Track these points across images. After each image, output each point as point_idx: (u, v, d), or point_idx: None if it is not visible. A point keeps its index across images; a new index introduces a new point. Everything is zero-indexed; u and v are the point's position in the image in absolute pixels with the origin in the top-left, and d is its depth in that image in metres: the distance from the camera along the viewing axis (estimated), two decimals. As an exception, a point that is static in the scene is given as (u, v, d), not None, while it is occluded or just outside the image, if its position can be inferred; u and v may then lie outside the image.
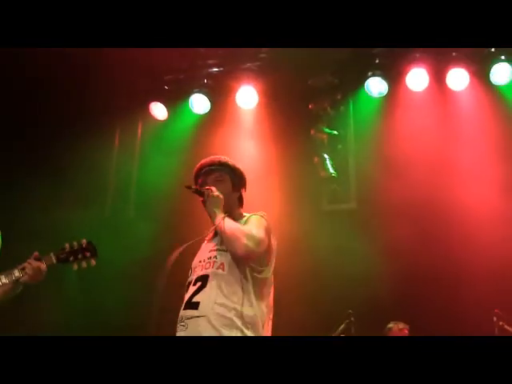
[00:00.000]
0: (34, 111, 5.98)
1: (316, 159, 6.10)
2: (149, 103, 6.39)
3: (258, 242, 2.63)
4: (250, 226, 2.69)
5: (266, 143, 6.13)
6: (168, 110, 6.44)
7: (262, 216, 2.79)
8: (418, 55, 5.75)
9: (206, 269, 2.68)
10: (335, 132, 6.19)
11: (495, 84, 5.73)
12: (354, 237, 5.46)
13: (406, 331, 4.88)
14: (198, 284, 2.65)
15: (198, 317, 2.55)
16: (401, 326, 4.91)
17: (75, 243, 3.08)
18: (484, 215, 5.17)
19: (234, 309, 2.56)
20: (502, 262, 4.96)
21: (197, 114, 6.43)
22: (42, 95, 5.88)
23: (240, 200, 2.94)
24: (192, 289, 2.67)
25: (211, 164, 2.87)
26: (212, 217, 2.72)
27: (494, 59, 5.60)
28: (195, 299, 2.61)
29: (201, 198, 2.76)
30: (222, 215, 2.69)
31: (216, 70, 6.25)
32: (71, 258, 3.05)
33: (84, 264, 3.07)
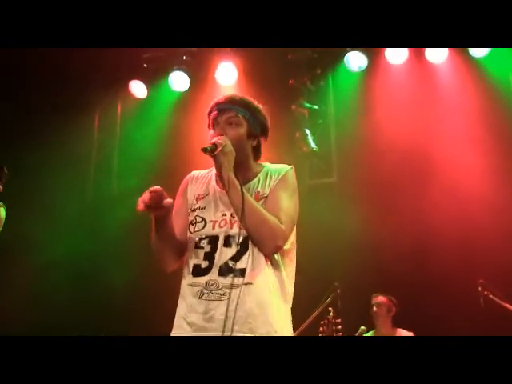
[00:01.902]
0: (13, 90, 5.90)
1: (297, 134, 6.11)
2: (128, 81, 6.36)
3: (290, 233, 2.30)
4: (284, 203, 2.27)
5: (246, 119, 6.08)
6: (147, 88, 6.42)
7: (293, 173, 2.39)
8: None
9: (240, 228, 2.15)
10: (316, 107, 6.21)
11: (474, 57, 5.76)
12: (336, 210, 5.47)
13: (384, 301, 4.93)
14: (235, 248, 2.16)
15: (246, 284, 2.10)
16: (379, 298, 4.96)
17: None
18: (471, 187, 5.22)
19: (279, 279, 2.24)
20: (491, 234, 5.02)
21: (176, 92, 6.41)
22: (22, 74, 5.81)
23: (256, 150, 2.35)
24: (227, 251, 2.16)
25: (229, 101, 2.30)
26: (221, 178, 2.18)
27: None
28: (240, 265, 2.13)
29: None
30: (238, 185, 2.14)
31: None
32: None
33: None
